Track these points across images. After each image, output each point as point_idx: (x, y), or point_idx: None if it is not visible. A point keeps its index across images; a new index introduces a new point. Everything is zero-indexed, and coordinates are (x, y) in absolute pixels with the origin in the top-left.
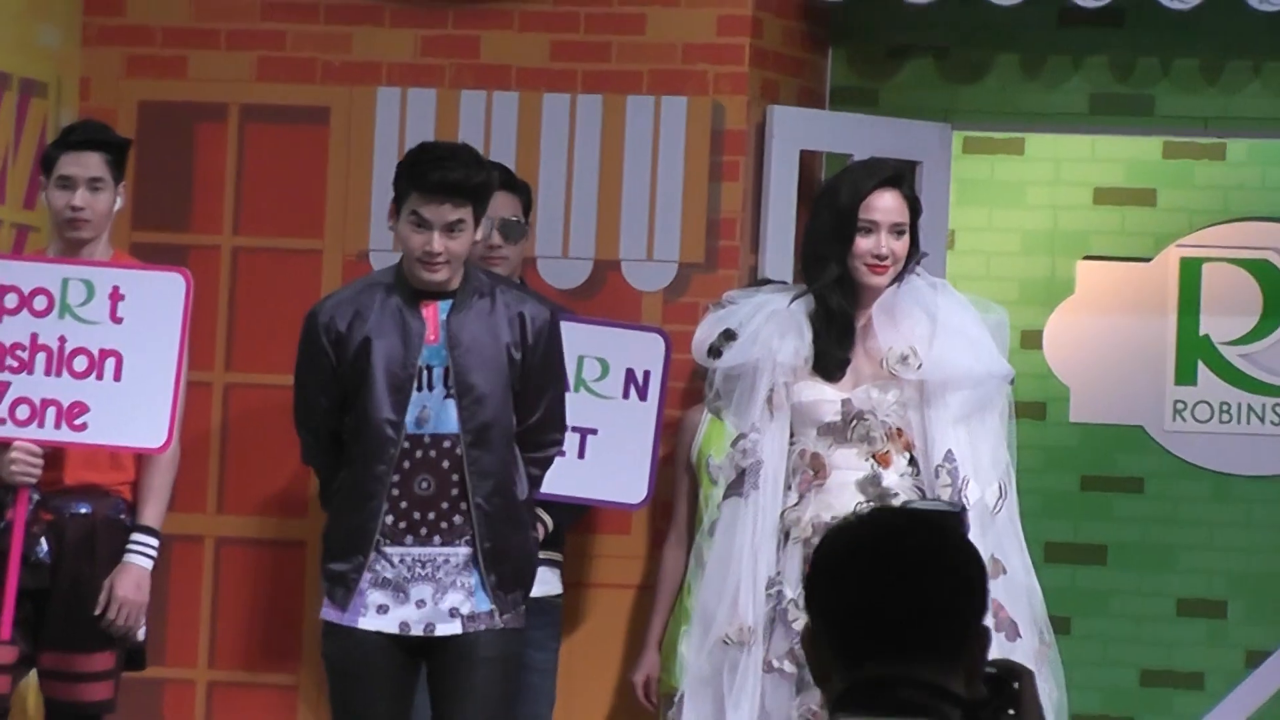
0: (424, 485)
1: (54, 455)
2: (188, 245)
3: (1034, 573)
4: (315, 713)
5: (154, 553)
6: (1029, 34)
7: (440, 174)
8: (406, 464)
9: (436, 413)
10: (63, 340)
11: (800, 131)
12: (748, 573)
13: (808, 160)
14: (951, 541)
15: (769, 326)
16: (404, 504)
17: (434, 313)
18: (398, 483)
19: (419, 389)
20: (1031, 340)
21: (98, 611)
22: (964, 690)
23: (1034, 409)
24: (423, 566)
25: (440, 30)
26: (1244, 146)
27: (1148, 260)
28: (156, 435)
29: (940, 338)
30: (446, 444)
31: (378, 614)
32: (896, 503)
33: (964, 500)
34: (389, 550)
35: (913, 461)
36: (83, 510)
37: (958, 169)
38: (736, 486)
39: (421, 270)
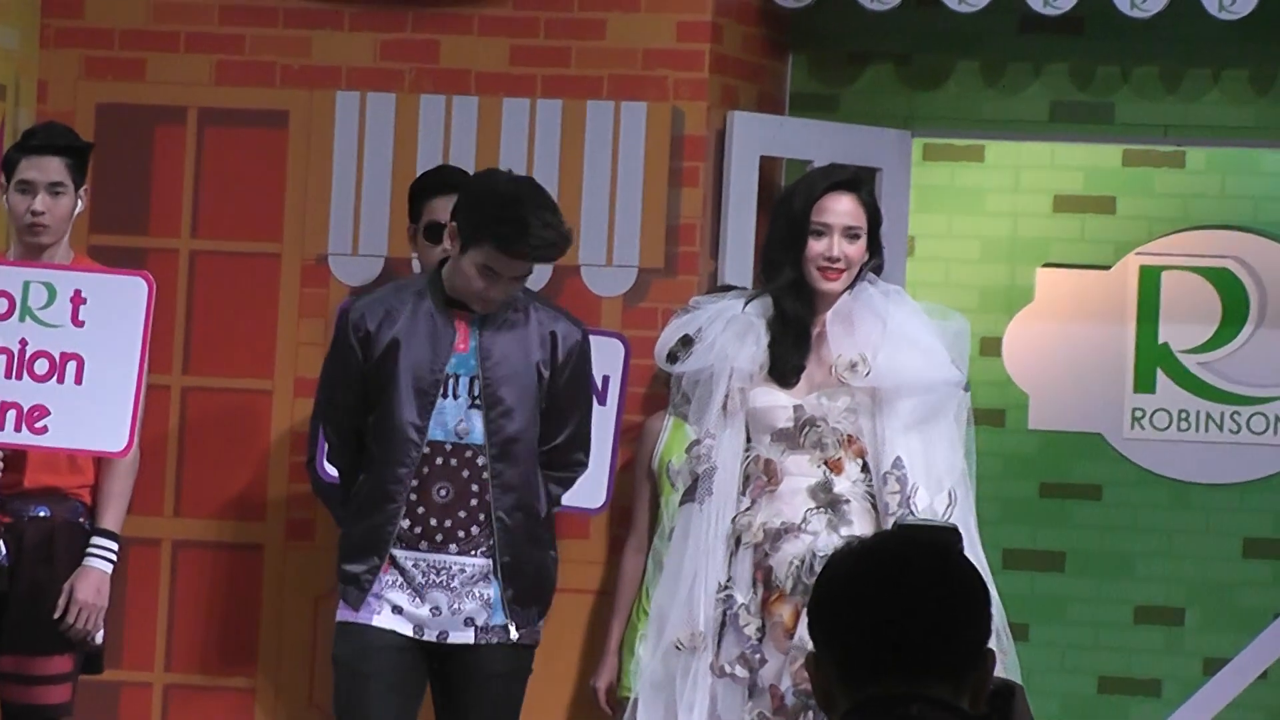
0: (442, 493)
1: (14, 458)
2: (146, 248)
3: (991, 580)
4: (272, 716)
5: (114, 556)
6: (989, 41)
7: (529, 247)
8: (426, 470)
9: (462, 423)
10: (24, 343)
11: (760, 137)
12: (700, 578)
13: (767, 166)
14: (957, 564)
15: (727, 333)
16: (421, 509)
17: (466, 322)
18: (416, 488)
19: (443, 396)
20: (991, 347)
21: (57, 615)
22: (971, 708)
23: (993, 416)
24: (437, 574)
25: (399, 34)
26: (1204, 155)
27: (1107, 268)
28: (118, 439)
29: (890, 345)
30: (468, 454)
31: (393, 614)
32: (847, 509)
33: (912, 507)
34: (403, 554)
35: (865, 468)
36: (41, 513)
37: (917, 176)
38: (691, 492)
39: (474, 303)
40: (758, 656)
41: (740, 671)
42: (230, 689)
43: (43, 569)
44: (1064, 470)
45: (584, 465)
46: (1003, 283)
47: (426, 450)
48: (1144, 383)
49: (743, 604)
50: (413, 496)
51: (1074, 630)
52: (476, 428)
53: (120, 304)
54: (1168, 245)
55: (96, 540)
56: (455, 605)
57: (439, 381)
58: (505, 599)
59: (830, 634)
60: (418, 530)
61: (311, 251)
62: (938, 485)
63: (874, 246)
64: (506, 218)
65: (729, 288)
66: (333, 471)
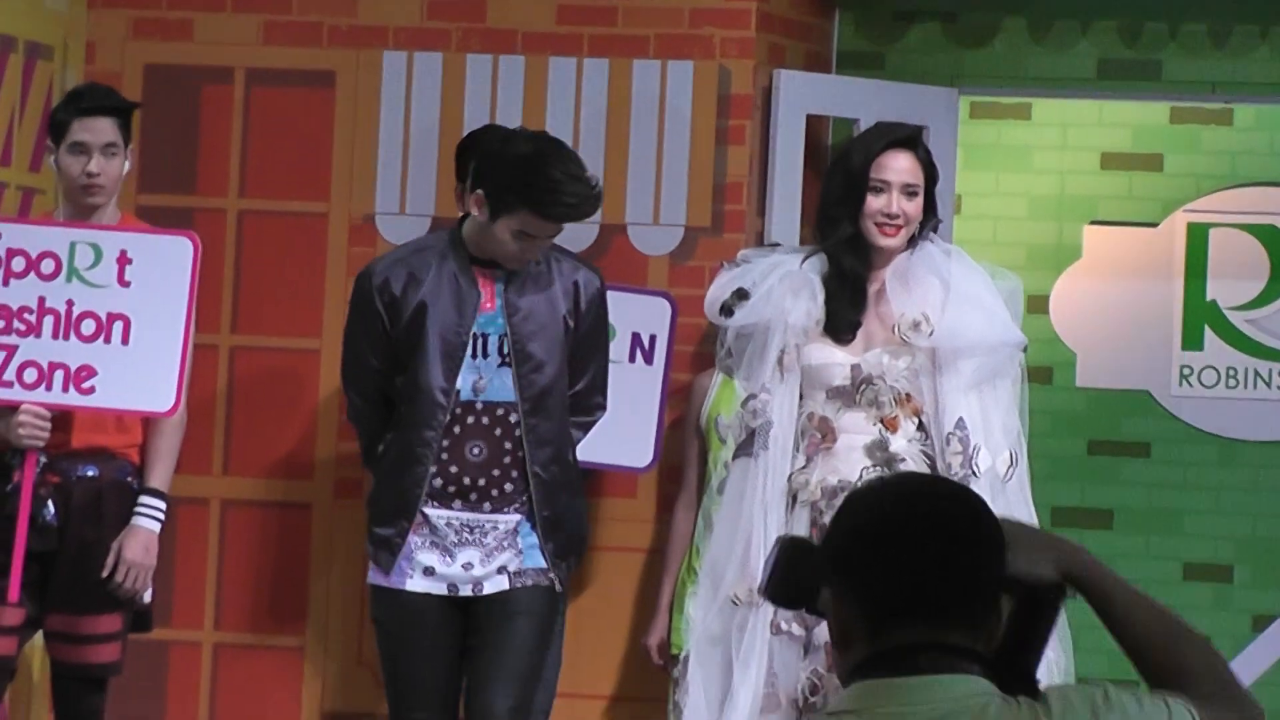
0: (475, 451)
1: (61, 418)
2: (193, 208)
3: None
4: (320, 674)
5: (162, 515)
6: None
7: (565, 206)
8: (457, 429)
9: (490, 380)
10: (70, 304)
11: (807, 96)
12: (758, 532)
13: (814, 124)
14: (981, 509)
15: (782, 286)
16: (454, 469)
17: (490, 281)
18: (448, 447)
19: (473, 356)
20: (1038, 305)
21: (105, 574)
22: (985, 648)
23: (1041, 374)
24: (470, 532)
25: None
26: (1251, 112)
27: (1155, 225)
28: (165, 399)
29: (953, 305)
30: (500, 411)
31: (424, 576)
32: (902, 468)
33: (975, 468)
34: (435, 513)
35: (921, 427)
36: (89, 473)
37: (964, 134)
38: (746, 447)
39: (508, 262)
40: (813, 615)
41: (796, 629)
42: (279, 647)
43: (91, 529)
44: (1112, 428)
45: (603, 409)
46: (1050, 240)
47: (458, 411)
48: (1191, 340)
49: None
50: (445, 455)
51: None
52: (506, 384)
53: (166, 264)
54: (1215, 202)
55: (144, 499)
56: (488, 559)
57: (466, 343)
58: (547, 553)
59: (854, 574)
60: (451, 489)
61: (359, 211)
62: (997, 446)
63: (931, 205)
64: (537, 183)
65: (775, 245)
66: None
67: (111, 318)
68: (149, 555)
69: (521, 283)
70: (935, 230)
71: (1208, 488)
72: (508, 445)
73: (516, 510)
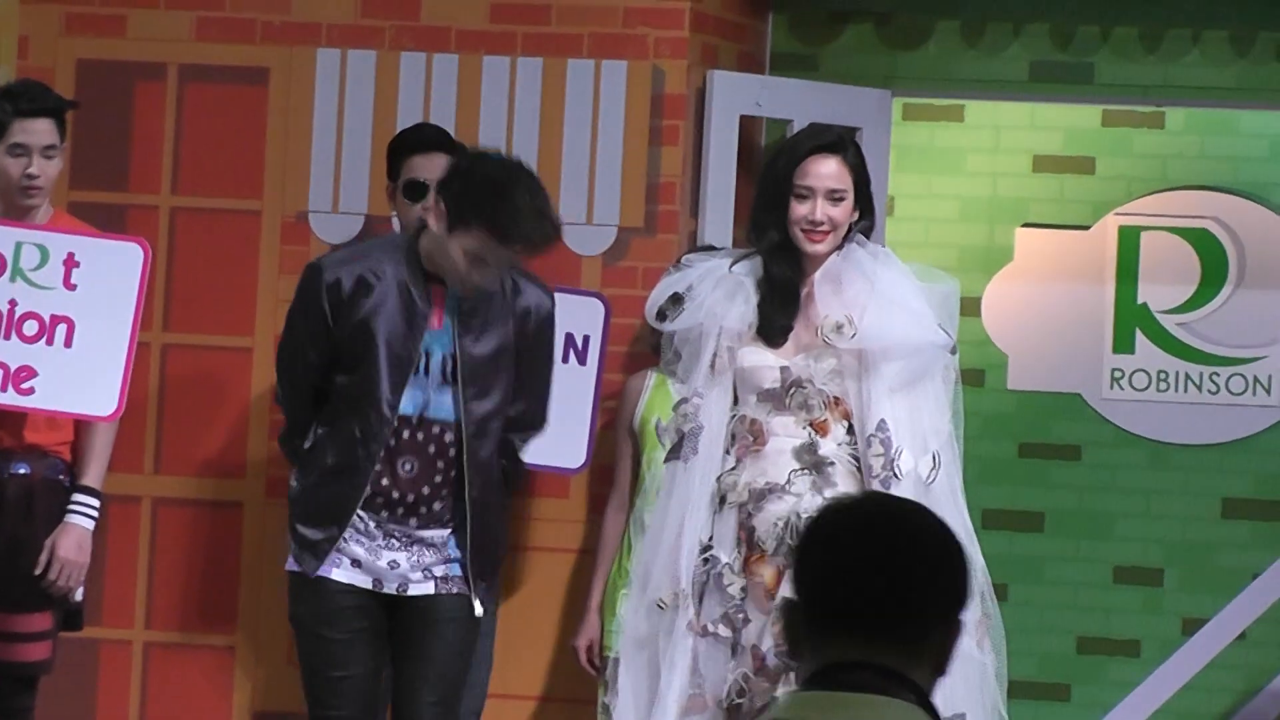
0: (407, 467)
1: (3, 417)
2: (126, 205)
3: (976, 543)
4: (252, 674)
5: (95, 513)
6: (970, 1)
7: (522, 239)
8: (393, 442)
9: (431, 398)
10: (13, 304)
11: (740, 97)
12: (685, 536)
13: (747, 125)
14: (932, 528)
15: (716, 291)
16: (385, 480)
17: (441, 297)
18: (382, 459)
19: (414, 372)
20: (970, 307)
21: (38, 571)
22: (927, 678)
23: (972, 376)
24: (397, 539)
25: None
26: (1183, 115)
27: (1086, 228)
28: (106, 403)
29: (876, 306)
30: (436, 429)
31: (352, 567)
32: (831, 471)
33: (896, 470)
34: (365, 515)
35: (851, 430)
36: (21, 470)
37: (897, 135)
38: (676, 450)
39: (456, 284)
40: (740, 615)
41: (723, 631)
42: (210, 646)
43: (22, 526)
44: (1043, 430)
45: (543, 425)
46: (982, 243)
47: (396, 424)
48: (1123, 343)
49: (726, 563)
50: (378, 467)
51: (1053, 590)
52: (445, 404)
53: (114, 269)
54: (1147, 206)
55: (78, 497)
56: (414, 560)
57: (414, 359)
58: (470, 571)
59: (800, 577)
60: (379, 500)
61: (292, 208)
62: (923, 448)
63: (864, 207)
64: (501, 207)
65: (710, 248)
66: None
67: (55, 320)
68: (82, 553)
69: (472, 304)
70: (867, 233)
71: (1138, 491)
72: (439, 464)
73: (443, 526)
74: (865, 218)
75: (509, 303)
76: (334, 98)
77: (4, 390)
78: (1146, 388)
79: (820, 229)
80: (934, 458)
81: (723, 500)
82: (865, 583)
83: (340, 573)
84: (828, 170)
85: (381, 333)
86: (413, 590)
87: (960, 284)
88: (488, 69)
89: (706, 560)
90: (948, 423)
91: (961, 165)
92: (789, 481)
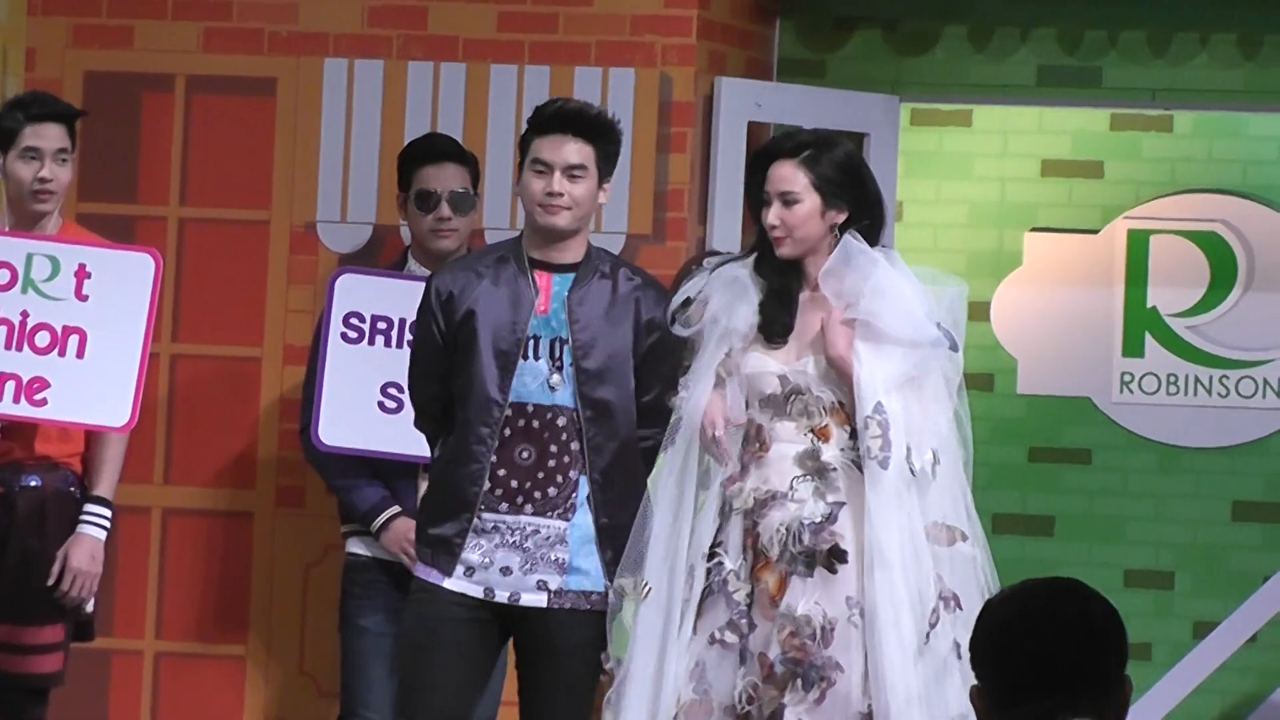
0: (524, 455)
1: (13, 429)
2: (134, 216)
3: (986, 544)
4: (263, 684)
5: (107, 524)
6: (977, 5)
7: (559, 112)
8: (508, 431)
9: (544, 384)
10: (25, 315)
11: (748, 103)
12: (652, 522)
13: (755, 132)
14: (1098, 599)
15: (722, 293)
16: (501, 472)
17: (548, 283)
18: (497, 449)
19: (524, 358)
20: (979, 312)
21: (51, 582)
22: None
23: (982, 380)
24: (510, 534)
25: (387, 1)
26: (1191, 118)
27: (1095, 232)
28: (120, 414)
29: (872, 293)
30: (549, 415)
31: (465, 576)
32: (834, 477)
33: (888, 459)
34: (483, 516)
35: (853, 435)
36: (33, 483)
37: (905, 141)
38: (666, 441)
39: (542, 216)
40: (745, 622)
41: (730, 638)
42: (221, 657)
43: (34, 539)
44: (1053, 435)
45: (654, 440)
46: (991, 247)
47: (509, 413)
48: (1132, 347)
49: (732, 570)
50: (494, 458)
51: None
52: (560, 390)
53: (126, 280)
54: (1155, 209)
55: (90, 507)
56: (527, 567)
57: (520, 343)
58: (604, 561)
59: (985, 669)
60: (497, 492)
61: (300, 218)
62: (920, 444)
63: (863, 207)
64: (535, 111)
65: (715, 253)
66: (328, 440)
67: (67, 331)
68: (95, 563)
69: (584, 289)
70: (872, 236)
71: (1148, 495)
72: (553, 449)
73: (559, 517)
74: (859, 219)
75: (622, 289)
76: (341, 107)
77: (17, 402)
78: (1156, 391)
79: (774, 233)
80: (934, 455)
81: (729, 506)
82: (1061, 658)
83: (452, 582)
84: (777, 173)
85: (484, 319)
86: (525, 600)
87: (969, 288)
88: (495, 77)
89: (712, 568)
90: (947, 422)
91: (970, 170)
92: (791, 488)
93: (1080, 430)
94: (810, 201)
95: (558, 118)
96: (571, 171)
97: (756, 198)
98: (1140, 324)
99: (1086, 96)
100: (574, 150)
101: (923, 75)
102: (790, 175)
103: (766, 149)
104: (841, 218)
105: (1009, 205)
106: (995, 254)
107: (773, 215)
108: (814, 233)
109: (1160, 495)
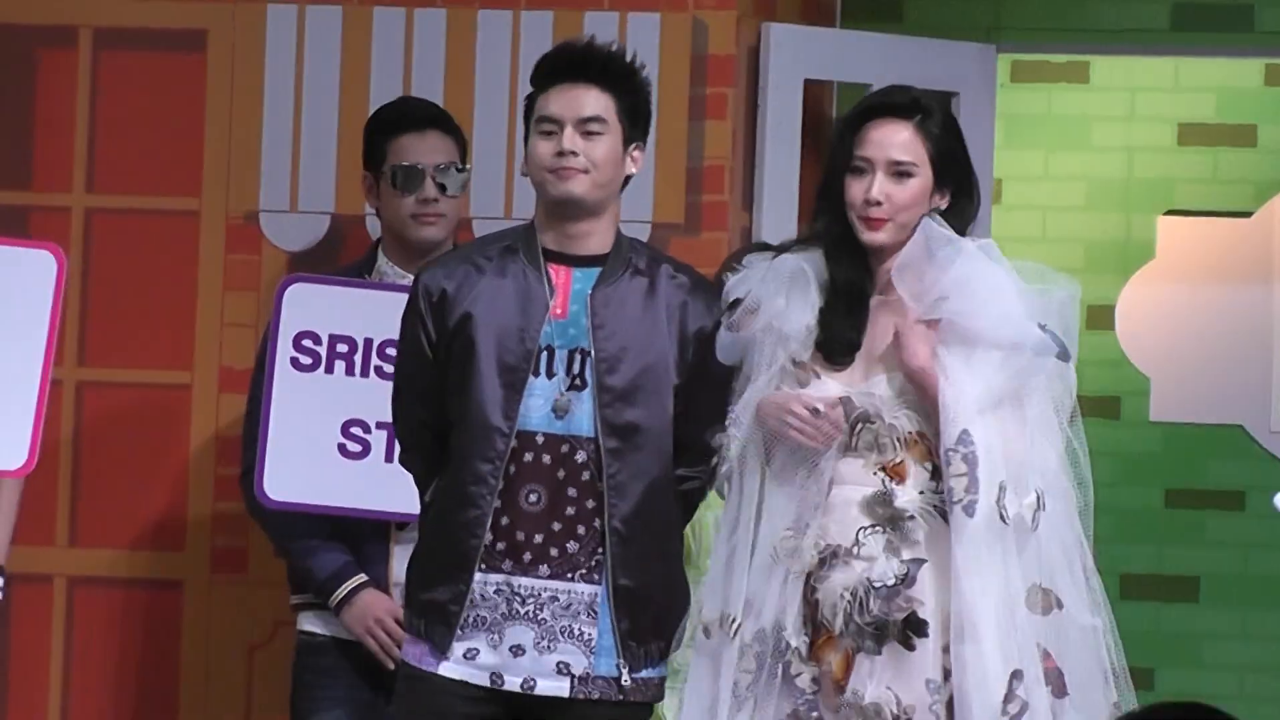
0: (532, 498)
1: None
2: (28, 206)
3: (1106, 610)
4: None
5: None
6: None
7: (564, 57)
8: (513, 468)
9: (559, 407)
10: None
11: (804, 56)
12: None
13: (814, 92)
14: None
15: (779, 294)
16: (505, 520)
17: (566, 280)
18: (501, 491)
19: (534, 374)
20: (1101, 319)
21: None
22: None
23: (1105, 405)
24: (523, 603)
25: None
26: None
27: (1247, 215)
28: (15, 454)
29: (957, 291)
30: (565, 448)
31: (465, 660)
32: (911, 527)
33: (974, 504)
34: (479, 577)
35: (935, 474)
36: None
37: (1004, 102)
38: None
39: (555, 187)
40: (815, 715)
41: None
42: None
43: None
44: (1197, 473)
45: (700, 479)
46: (1116, 236)
47: (515, 444)
48: None
49: (795, 648)
50: (498, 503)
51: (1212, 676)
52: (579, 415)
53: (19, 283)
54: None
55: None
56: (544, 644)
57: (530, 355)
58: (619, 632)
59: None
60: (500, 546)
61: (239, 208)
62: (1020, 484)
63: (957, 190)
64: (538, 62)
65: (766, 246)
66: (276, 495)
67: None
68: None
69: (612, 288)
70: (964, 223)
71: None
72: (572, 492)
73: (583, 579)
74: (958, 203)
75: (662, 288)
76: (290, 67)
77: None
78: None
79: (875, 212)
80: (1038, 498)
81: (786, 570)
82: None
83: (450, 666)
84: (892, 138)
85: (486, 325)
86: (541, 689)
87: (1088, 289)
88: (484, 26)
89: (772, 643)
90: (1057, 457)
91: (1087, 138)
92: (857, 543)
93: (1231, 468)
94: (924, 177)
95: (564, 61)
96: (586, 126)
97: (838, 166)
98: None
99: (1235, 43)
100: (589, 100)
101: (1026, 18)
102: (908, 141)
103: (871, 105)
104: (944, 203)
105: (1138, 182)
106: (1121, 244)
107: (877, 189)
108: (916, 217)
109: None
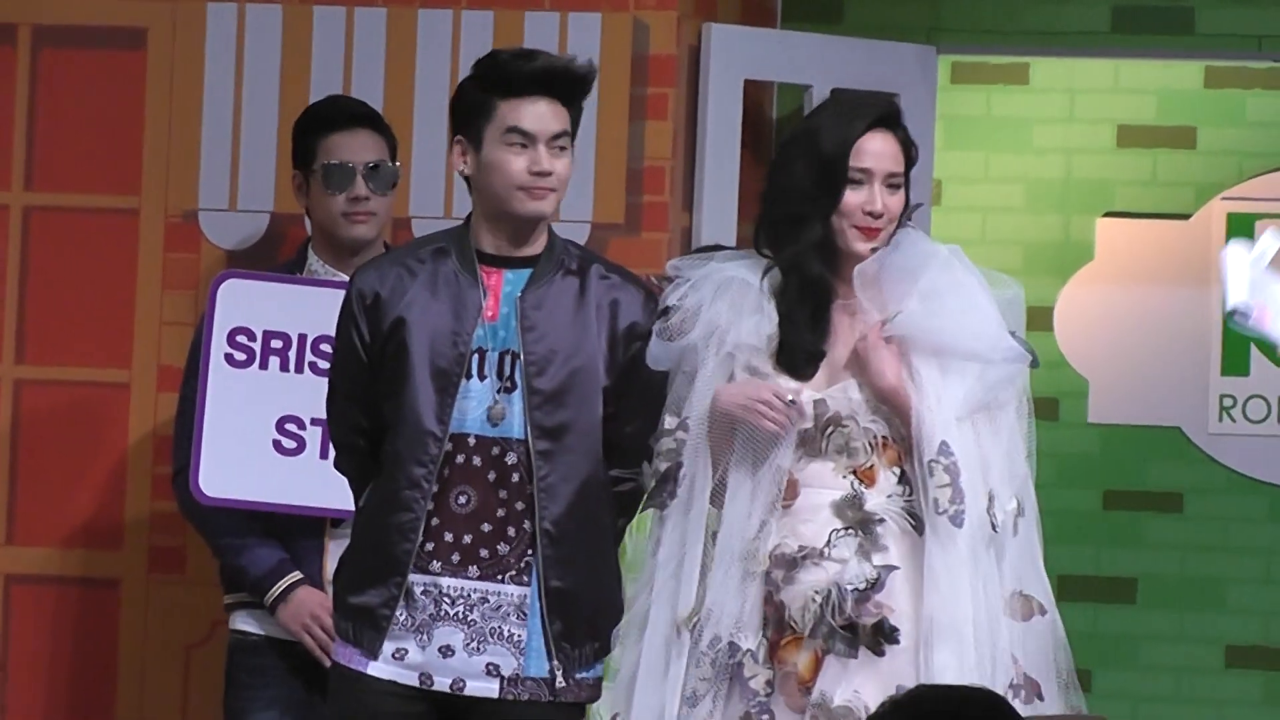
0: (461, 500)
1: None
2: None
3: (1058, 615)
4: None
5: None
6: None
7: (538, 66)
8: (446, 471)
9: (491, 409)
10: None
11: (745, 57)
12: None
13: (754, 93)
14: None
15: (719, 301)
16: (435, 521)
17: (498, 283)
18: (434, 494)
19: (466, 377)
20: (1039, 320)
21: None
22: None
23: (1044, 407)
24: (451, 604)
25: None
26: None
27: (1186, 217)
28: None
29: (927, 303)
30: (496, 450)
31: (394, 659)
32: (880, 531)
33: (961, 514)
34: (412, 579)
35: (904, 479)
36: None
37: (945, 103)
38: (656, 496)
39: (525, 203)
40: (765, 717)
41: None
42: None
43: None
44: (1135, 475)
45: (634, 481)
46: (1055, 238)
47: (449, 448)
48: (1234, 364)
49: (748, 650)
50: (430, 505)
51: (1150, 677)
52: (510, 416)
53: None
54: (1262, 187)
55: None
56: (474, 645)
57: (463, 358)
58: (552, 634)
59: None
60: (429, 547)
61: (177, 206)
62: (998, 491)
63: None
64: (492, 68)
65: (717, 247)
66: (211, 491)
67: None
68: None
69: (543, 289)
70: (910, 219)
71: (1257, 550)
72: (502, 494)
73: (513, 581)
74: (909, 204)
75: (593, 289)
76: (230, 65)
77: None
78: (1265, 419)
79: (878, 222)
80: (1019, 505)
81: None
82: None
83: (379, 666)
84: (885, 150)
85: (419, 329)
86: (471, 689)
87: (1028, 291)
88: (424, 25)
89: (724, 649)
90: (1023, 463)
91: (1027, 140)
92: (829, 544)
93: (1169, 469)
94: (904, 186)
95: (540, 73)
96: (557, 143)
97: (834, 176)
98: (1244, 335)
99: (1174, 45)
100: (559, 116)
101: (966, 20)
102: (895, 153)
103: (871, 117)
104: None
105: (1077, 184)
106: (1060, 246)
107: (878, 200)
108: (893, 229)
109: (1271, 550)
